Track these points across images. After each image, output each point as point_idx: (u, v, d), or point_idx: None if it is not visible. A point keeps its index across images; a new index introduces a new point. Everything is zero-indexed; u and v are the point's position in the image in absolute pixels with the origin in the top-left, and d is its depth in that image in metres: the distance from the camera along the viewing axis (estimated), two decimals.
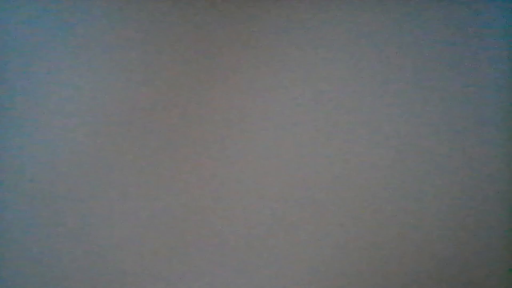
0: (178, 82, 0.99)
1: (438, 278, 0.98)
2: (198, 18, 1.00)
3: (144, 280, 0.97)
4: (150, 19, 0.99)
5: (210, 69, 0.99)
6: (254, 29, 1.00)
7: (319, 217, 0.98)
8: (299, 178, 0.99)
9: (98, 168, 0.98)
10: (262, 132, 0.99)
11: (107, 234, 0.97)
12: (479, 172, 0.99)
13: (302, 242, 0.98)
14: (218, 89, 0.99)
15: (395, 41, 1.00)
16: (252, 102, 0.99)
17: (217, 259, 0.98)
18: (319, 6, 1.00)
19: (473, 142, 0.99)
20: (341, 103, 0.99)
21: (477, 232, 0.99)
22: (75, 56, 0.99)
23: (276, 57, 0.99)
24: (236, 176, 0.98)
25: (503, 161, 0.99)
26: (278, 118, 0.99)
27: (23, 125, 0.98)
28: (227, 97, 0.99)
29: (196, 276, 0.98)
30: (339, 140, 0.99)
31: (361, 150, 0.99)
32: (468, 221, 0.99)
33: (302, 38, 0.99)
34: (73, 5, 0.99)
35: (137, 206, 0.98)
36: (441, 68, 1.00)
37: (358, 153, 0.99)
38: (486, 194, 0.99)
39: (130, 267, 0.97)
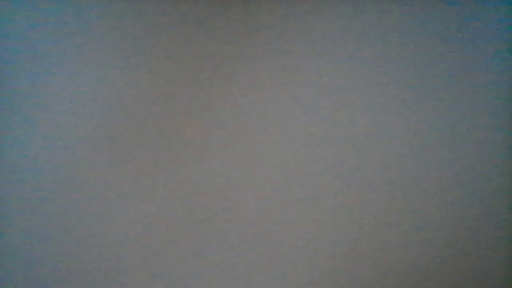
0: (178, 82, 0.99)
1: (439, 278, 0.98)
2: (198, 18, 1.00)
3: (144, 280, 0.97)
4: (150, 19, 0.99)
5: (210, 69, 0.99)
6: (255, 29, 1.00)
7: (320, 217, 0.98)
8: (300, 178, 0.99)
9: (98, 168, 0.98)
10: (263, 131, 0.99)
11: (107, 234, 0.98)
12: (479, 172, 0.99)
13: (303, 242, 0.98)
14: (219, 88, 0.99)
15: (395, 41, 1.00)
16: (253, 101, 0.99)
17: (217, 259, 0.98)
18: (320, 5, 1.00)
19: (473, 142, 0.99)
20: (341, 103, 0.99)
21: (477, 232, 0.99)
22: (75, 56, 0.99)
23: (276, 56, 0.99)
24: (236, 176, 0.98)
25: (503, 161, 0.99)
26: (279, 117, 0.99)
27: (23, 125, 0.98)
28: (228, 97, 0.99)
29: (196, 276, 0.98)
30: (339, 140, 0.99)
31: (361, 150, 0.99)
32: (468, 221, 0.99)
33: (302, 37, 1.00)
34: (73, 5, 0.99)
35: (137, 206, 0.98)
36: (441, 68, 1.00)
37: (358, 153, 0.99)
38: (486, 194, 0.99)
39: (131, 267, 0.98)
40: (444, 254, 0.98)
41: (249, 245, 0.98)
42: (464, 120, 1.00)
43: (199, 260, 0.98)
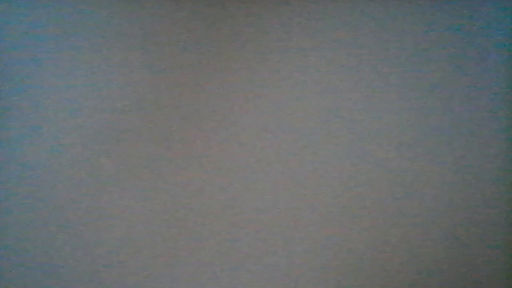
0: (178, 82, 0.99)
1: (438, 278, 0.98)
2: (198, 18, 1.00)
3: (144, 280, 0.97)
4: (150, 19, 0.99)
5: (210, 70, 0.99)
6: (255, 29, 0.99)
7: (321, 217, 0.98)
8: (300, 178, 0.98)
9: (98, 168, 0.98)
10: (263, 132, 0.99)
11: (107, 234, 0.97)
12: (479, 172, 0.99)
13: (303, 242, 0.98)
14: (219, 89, 0.99)
15: (395, 41, 1.00)
16: (254, 102, 0.99)
17: (217, 259, 0.98)
18: (320, 6, 1.00)
19: (473, 142, 0.99)
20: (341, 104, 0.99)
21: (477, 232, 0.99)
22: (75, 56, 0.99)
23: (277, 57, 0.99)
24: (237, 177, 0.98)
25: (503, 161, 0.99)
26: (279, 118, 0.99)
27: (23, 125, 0.98)
28: (228, 97, 0.99)
29: (196, 276, 0.98)
30: (339, 141, 0.99)
31: (361, 151, 0.99)
32: (468, 221, 0.99)
33: (303, 38, 0.99)
34: (73, 5, 0.99)
35: (137, 206, 0.98)
36: (442, 68, 1.00)
37: (358, 154, 0.99)
38: (486, 194, 0.99)
39: (130, 267, 0.97)
40: (444, 254, 0.98)
41: (249, 246, 0.98)
42: (464, 120, 0.99)
43: (199, 260, 0.98)
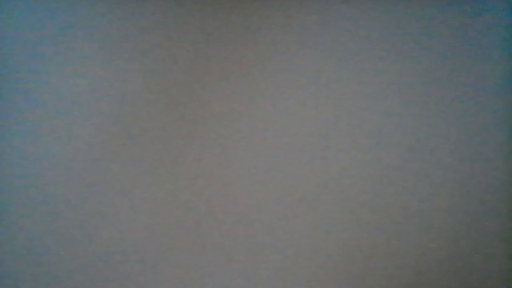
0: (179, 82, 0.99)
1: (438, 278, 0.98)
2: (198, 19, 1.00)
3: (144, 280, 0.97)
4: (150, 20, 0.99)
5: (210, 69, 0.99)
6: (255, 29, 1.00)
7: (319, 217, 0.98)
8: (300, 178, 0.99)
9: (98, 168, 0.98)
10: (263, 132, 0.99)
11: (107, 234, 0.98)
12: (479, 172, 0.99)
13: (301, 242, 0.98)
14: (218, 89, 0.99)
15: (395, 41, 1.00)
16: (253, 102, 0.99)
17: (216, 259, 0.98)
18: (320, 6, 1.00)
19: (473, 142, 0.99)
20: (342, 104, 0.99)
21: (477, 232, 0.99)
22: (75, 56, 0.99)
23: (276, 57, 0.99)
24: (236, 177, 0.98)
25: (503, 161, 0.99)
26: (278, 119, 0.99)
27: (23, 125, 0.98)
28: (227, 97, 0.99)
29: (196, 277, 0.98)
30: (339, 140, 0.99)
31: (361, 151, 0.99)
32: (468, 221, 0.99)
33: (303, 38, 1.00)
34: (73, 5, 0.99)
35: (137, 206, 0.98)
36: (442, 69, 1.00)
37: (358, 154, 0.99)
38: (486, 194, 0.99)
39: (131, 267, 0.97)
40: (444, 254, 0.98)
41: (249, 245, 0.98)
42: (464, 120, 1.00)
43: (199, 260, 0.98)
